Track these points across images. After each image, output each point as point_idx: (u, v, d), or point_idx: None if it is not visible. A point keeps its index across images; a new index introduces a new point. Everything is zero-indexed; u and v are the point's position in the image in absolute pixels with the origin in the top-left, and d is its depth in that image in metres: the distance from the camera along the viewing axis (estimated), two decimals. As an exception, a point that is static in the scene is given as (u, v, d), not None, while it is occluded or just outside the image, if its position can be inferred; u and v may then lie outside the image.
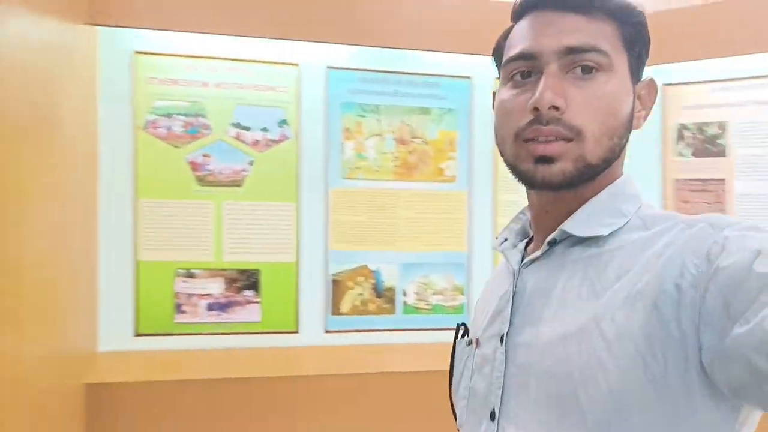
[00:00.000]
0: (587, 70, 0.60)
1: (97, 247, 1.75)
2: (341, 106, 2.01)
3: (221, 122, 1.92)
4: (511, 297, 0.67)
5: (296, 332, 1.90)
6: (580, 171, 0.61)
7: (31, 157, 1.12)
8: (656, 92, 0.66)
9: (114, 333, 1.76)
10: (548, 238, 0.65)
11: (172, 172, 1.89)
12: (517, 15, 0.65)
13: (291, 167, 1.98)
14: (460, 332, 0.78)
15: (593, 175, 0.62)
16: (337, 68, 1.99)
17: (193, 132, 1.91)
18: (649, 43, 0.64)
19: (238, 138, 1.94)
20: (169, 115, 1.86)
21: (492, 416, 0.66)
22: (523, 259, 0.68)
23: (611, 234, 0.62)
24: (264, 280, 1.90)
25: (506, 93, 0.62)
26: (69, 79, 1.46)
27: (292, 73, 1.97)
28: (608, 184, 0.64)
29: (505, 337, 0.66)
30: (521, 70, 0.61)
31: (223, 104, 1.93)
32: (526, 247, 0.71)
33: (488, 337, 0.70)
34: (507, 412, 0.64)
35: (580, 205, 0.64)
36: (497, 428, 0.65)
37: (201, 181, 1.92)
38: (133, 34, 1.77)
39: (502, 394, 0.65)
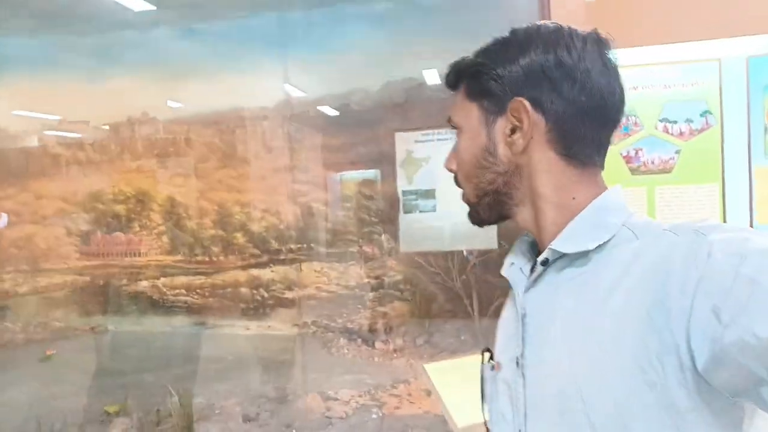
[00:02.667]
0: (458, 133, 0.82)
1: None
2: (763, 89, 2.33)
3: (650, 119, 2.38)
4: (521, 320, 0.74)
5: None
6: (473, 210, 0.82)
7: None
8: (519, 107, 0.73)
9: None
10: (539, 259, 0.73)
11: (608, 165, 2.43)
12: None
13: (714, 152, 2.37)
14: (486, 357, 0.85)
15: (489, 208, 0.80)
16: (758, 56, 2.31)
17: (626, 130, 2.41)
18: (494, 71, 0.74)
19: (665, 131, 2.39)
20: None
21: None
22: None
23: (603, 247, 0.69)
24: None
25: None
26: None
27: (714, 67, 2.35)
28: (541, 205, 0.75)
29: (519, 360, 0.72)
30: None
31: (651, 104, 2.39)
32: (534, 267, 0.78)
33: (507, 360, 0.77)
34: (532, 431, 0.71)
35: (534, 228, 0.78)
36: None
37: (634, 171, 2.41)
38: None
39: (525, 414, 0.72)
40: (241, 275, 4.50)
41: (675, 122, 2.39)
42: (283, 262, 4.39)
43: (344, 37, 3.85)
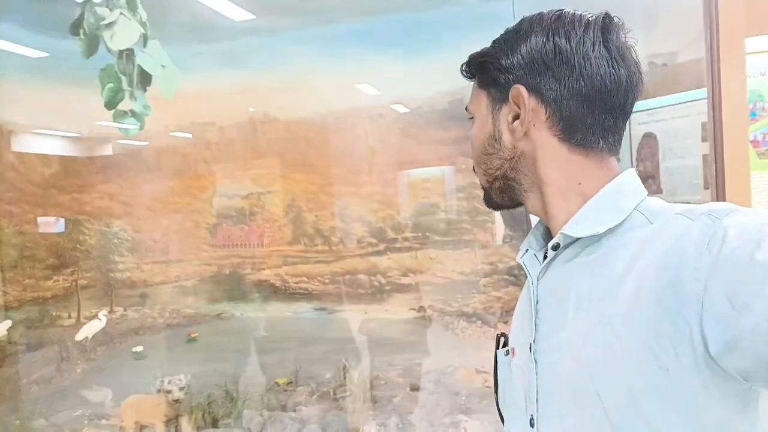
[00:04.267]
0: (473, 122, 0.88)
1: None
2: None
3: (777, 106, 2.69)
4: (534, 305, 0.77)
5: None
6: (487, 195, 0.89)
7: None
8: (518, 94, 0.78)
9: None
10: (550, 244, 0.76)
11: (736, 150, 2.75)
12: None
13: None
14: (501, 342, 0.89)
15: (501, 193, 0.86)
16: None
17: (753, 115, 2.73)
18: (498, 60, 0.80)
19: (792, 117, 2.69)
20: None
21: (531, 423, 0.76)
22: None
23: (615, 232, 0.71)
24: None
25: None
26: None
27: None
28: (547, 191, 0.79)
29: (532, 345, 0.75)
30: None
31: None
32: (546, 253, 0.80)
33: (520, 346, 0.81)
34: (544, 417, 0.74)
35: (543, 214, 0.81)
36: None
37: (761, 155, 2.73)
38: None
39: (537, 400, 0.74)
40: (360, 263, 5.02)
41: (803, 106, 2.70)
42: (399, 250, 4.88)
43: (457, 36, 4.27)
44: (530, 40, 0.75)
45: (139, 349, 4.50)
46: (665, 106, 2.30)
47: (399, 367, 3.66)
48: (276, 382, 3.68)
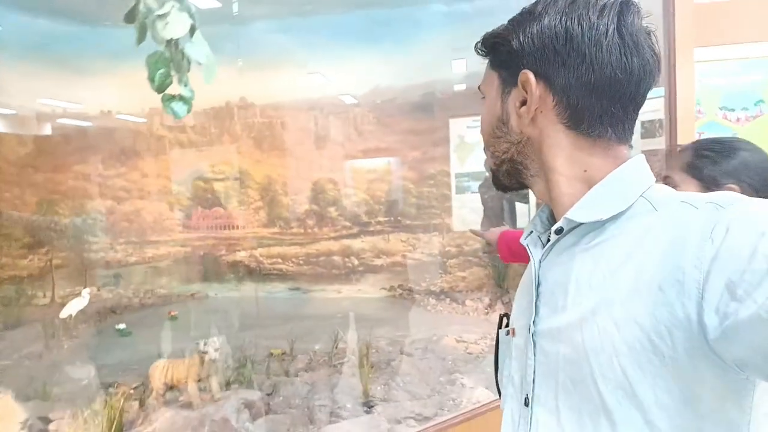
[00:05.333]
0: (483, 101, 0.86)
1: None
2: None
3: (711, 108, 3.20)
4: (536, 288, 0.78)
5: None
6: (495, 177, 0.87)
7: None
8: (526, 79, 0.76)
9: None
10: (554, 228, 0.77)
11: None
12: None
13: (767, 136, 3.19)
14: (503, 322, 0.91)
15: (509, 176, 0.84)
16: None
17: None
18: (510, 43, 0.77)
19: (725, 118, 3.21)
20: None
21: (526, 402, 0.78)
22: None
23: (619, 218, 0.72)
24: None
25: None
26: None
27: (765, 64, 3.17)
28: (552, 177, 0.78)
29: (532, 327, 0.77)
30: None
31: (712, 94, 3.20)
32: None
33: (520, 327, 0.82)
34: (539, 398, 0.76)
35: (548, 200, 0.81)
36: (531, 414, 0.77)
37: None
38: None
39: (533, 381, 0.77)
40: (334, 245, 5.35)
41: (732, 110, 3.22)
42: (372, 233, 5.24)
43: (429, 31, 4.62)
44: (542, 22, 0.74)
45: (122, 326, 4.65)
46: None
47: (385, 338, 3.99)
48: (271, 353, 3.93)
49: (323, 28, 4.83)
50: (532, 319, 0.77)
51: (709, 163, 1.29)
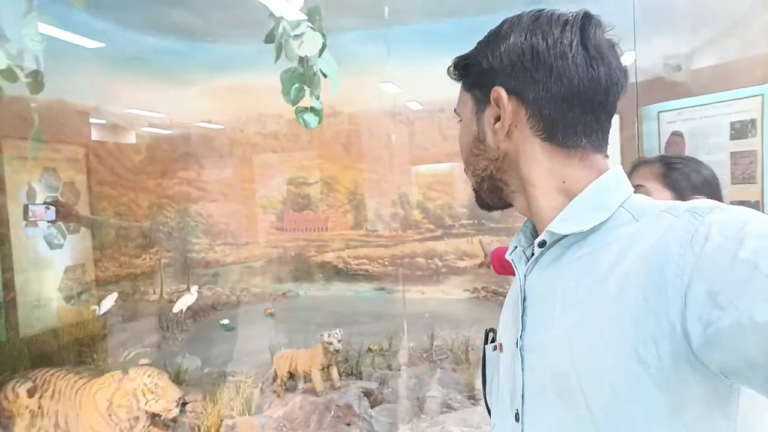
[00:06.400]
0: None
1: None
2: None
3: None
4: (521, 302, 0.79)
5: None
6: (477, 195, 0.88)
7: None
8: (498, 96, 0.78)
9: None
10: (537, 241, 0.78)
11: None
12: None
13: None
14: (490, 338, 0.91)
15: (490, 194, 0.85)
16: None
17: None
18: (480, 63, 0.80)
19: None
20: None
21: (517, 418, 0.79)
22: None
23: (600, 229, 0.74)
24: None
25: None
26: None
27: None
28: (531, 191, 0.79)
29: (519, 342, 0.78)
30: None
31: None
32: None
33: (507, 342, 0.83)
34: (529, 413, 0.77)
35: (530, 214, 0.82)
36: (522, 429, 0.78)
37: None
38: None
39: (522, 395, 0.78)
40: (418, 247, 5.63)
41: None
42: (455, 235, 5.50)
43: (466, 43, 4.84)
44: (508, 41, 0.76)
45: (226, 321, 5.11)
46: (693, 106, 2.48)
47: (478, 337, 4.26)
48: (370, 348, 4.25)
49: (410, 37, 5.11)
50: (519, 334, 0.78)
51: (681, 176, 1.43)
